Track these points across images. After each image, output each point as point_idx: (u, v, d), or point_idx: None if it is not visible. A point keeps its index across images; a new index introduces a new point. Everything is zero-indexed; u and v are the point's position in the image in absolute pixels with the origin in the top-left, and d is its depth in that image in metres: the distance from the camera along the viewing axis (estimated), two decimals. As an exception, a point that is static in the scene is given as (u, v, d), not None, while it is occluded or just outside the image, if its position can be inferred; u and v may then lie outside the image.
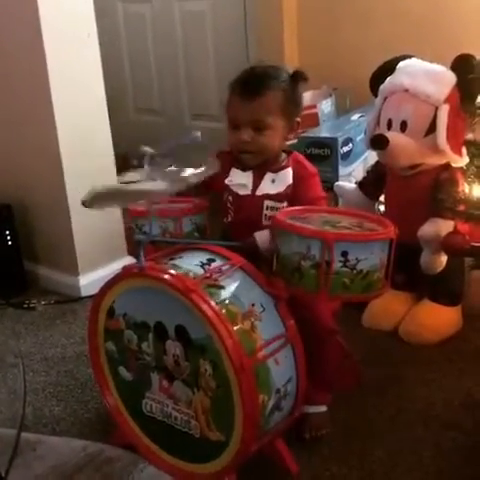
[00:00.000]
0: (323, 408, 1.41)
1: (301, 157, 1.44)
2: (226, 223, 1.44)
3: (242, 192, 1.40)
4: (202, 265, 1.23)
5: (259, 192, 1.39)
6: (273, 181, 1.39)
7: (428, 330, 1.74)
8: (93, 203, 1.17)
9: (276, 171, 1.39)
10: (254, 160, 1.38)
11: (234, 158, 1.41)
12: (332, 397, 1.43)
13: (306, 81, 1.41)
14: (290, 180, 1.39)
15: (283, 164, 1.40)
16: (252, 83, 1.34)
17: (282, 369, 1.21)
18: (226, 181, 1.41)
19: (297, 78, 1.39)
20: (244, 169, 1.40)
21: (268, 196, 1.38)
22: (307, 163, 1.43)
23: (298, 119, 1.41)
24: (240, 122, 1.35)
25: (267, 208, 1.38)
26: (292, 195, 1.38)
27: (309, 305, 1.31)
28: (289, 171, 1.39)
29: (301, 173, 1.40)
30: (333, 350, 1.37)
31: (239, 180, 1.40)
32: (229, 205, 1.42)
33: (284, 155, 1.42)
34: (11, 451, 1.28)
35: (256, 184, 1.39)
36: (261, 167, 1.39)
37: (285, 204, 1.37)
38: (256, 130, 1.34)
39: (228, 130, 1.39)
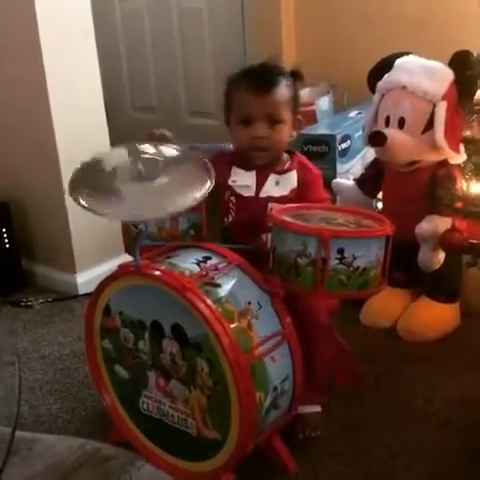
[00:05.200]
0: (317, 408, 1.40)
1: (304, 158, 1.44)
2: (226, 223, 1.43)
3: (246, 193, 1.39)
4: (198, 263, 1.23)
5: (263, 194, 1.38)
6: (277, 183, 1.38)
7: (426, 327, 1.74)
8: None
9: (280, 173, 1.39)
10: (266, 158, 1.37)
11: (236, 157, 1.40)
12: (328, 395, 1.42)
13: (302, 80, 1.41)
14: (295, 183, 1.39)
15: (287, 166, 1.40)
16: (265, 76, 1.34)
17: (279, 367, 1.21)
18: (229, 181, 1.39)
19: (296, 76, 1.40)
20: (247, 169, 1.39)
21: (272, 199, 1.37)
22: (311, 165, 1.43)
23: (299, 116, 1.42)
24: (254, 117, 1.33)
25: (271, 210, 1.35)
26: (297, 198, 1.37)
27: (303, 301, 1.31)
28: (294, 174, 1.39)
29: (306, 177, 1.40)
30: (326, 347, 1.36)
31: (243, 181, 1.39)
32: (231, 205, 1.41)
33: (286, 155, 1.41)
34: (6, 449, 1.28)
35: (260, 185, 1.38)
36: (265, 167, 1.38)
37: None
38: (270, 124, 1.34)
39: (235, 127, 1.37)
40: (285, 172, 1.39)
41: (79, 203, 1.13)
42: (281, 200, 1.37)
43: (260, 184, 1.39)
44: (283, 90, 1.35)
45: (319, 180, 1.42)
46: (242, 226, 1.39)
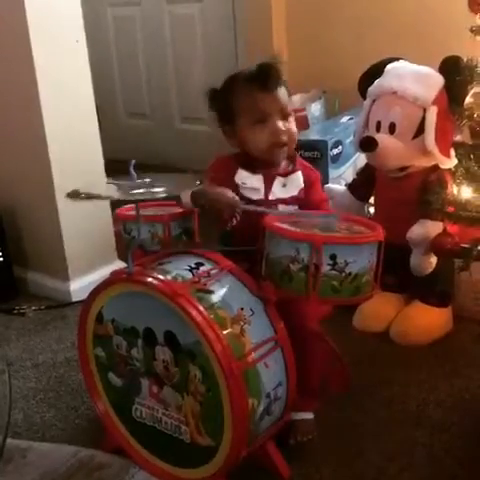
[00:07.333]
0: (310, 415, 1.40)
1: (304, 161, 1.44)
2: (229, 227, 1.37)
3: (255, 196, 1.36)
4: (191, 269, 1.23)
5: (272, 196, 1.37)
6: (284, 185, 1.37)
7: (418, 331, 1.74)
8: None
9: (285, 175, 1.38)
10: (284, 154, 1.37)
11: (240, 160, 1.38)
12: (320, 401, 1.42)
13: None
14: (302, 184, 1.38)
15: (290, 168, 1.39)
16: (269, 75, 1.34)
17: (272, 373, 1.21)
18: (238, 182, 1.36)
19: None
20: (253, 172, 1.37)
21: (282, 200, 1.36)
22: (311, 167, 1.44)
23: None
24: (269, 113, 1.32)
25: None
26: (302, 198, 1.38)
27: (294, 308, 1.30)
28: (299, 175, 1.39)
29: (310, 178, 1.41)
30: (319, 353, 1.36)
31: (252, 183, 1.36)
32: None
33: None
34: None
35: (267, 188, 1.37)
36: (269, 171, 1.37)
37: (296, 208, 1.37)
38: (283, 119, 1.34)
39: (249, 130, 1.34)
40: (290, 174, 1.38)
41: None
42: (291, 201, 1.37)
43: (268, 187, 1.37)
44: (284, 86, 1.36)
45: (319, 181, 1.43)
46: (247, 230, 1.32)
